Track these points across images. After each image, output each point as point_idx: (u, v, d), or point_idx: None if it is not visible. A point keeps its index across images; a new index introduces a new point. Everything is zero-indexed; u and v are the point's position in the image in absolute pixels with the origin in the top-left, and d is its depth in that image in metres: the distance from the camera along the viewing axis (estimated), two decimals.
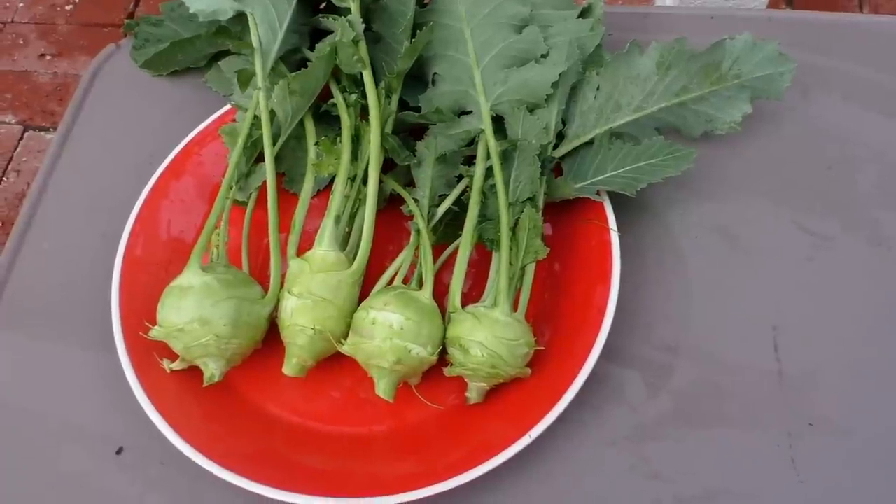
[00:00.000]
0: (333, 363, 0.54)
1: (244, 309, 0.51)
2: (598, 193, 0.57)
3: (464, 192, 0.57)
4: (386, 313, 0.49)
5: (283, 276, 0.54)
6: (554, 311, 0.56)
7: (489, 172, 0.55)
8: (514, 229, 0.53)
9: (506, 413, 0.51)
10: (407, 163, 0.58)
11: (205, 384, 0.51)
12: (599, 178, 0.57)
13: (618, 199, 0.58)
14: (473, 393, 0.51)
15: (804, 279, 0.58)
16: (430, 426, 0.53)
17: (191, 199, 0.63)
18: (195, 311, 0.49)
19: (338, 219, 0.55)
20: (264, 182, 0.58)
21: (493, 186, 0.54)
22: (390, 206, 0.61)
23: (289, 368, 0.51)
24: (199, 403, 0.53)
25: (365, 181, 0.56)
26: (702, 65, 0.59)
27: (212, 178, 0.64)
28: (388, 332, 0.49)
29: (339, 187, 0.55)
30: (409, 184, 0.59)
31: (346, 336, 0.51)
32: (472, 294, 0.58)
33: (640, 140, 0.58)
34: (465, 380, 0.51)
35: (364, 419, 0.54)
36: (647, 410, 0.53)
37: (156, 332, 0.50)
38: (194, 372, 0.52)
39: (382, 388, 0.49)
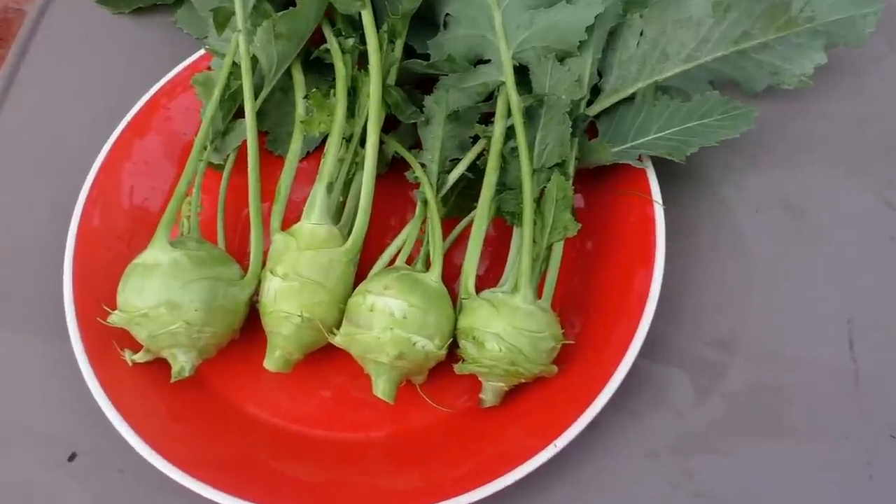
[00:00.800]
0: (324, 357, 0.52)
1: (219, 291, 0.49)
2: (639, 159, 0.55)
3: (480, 155, 0.55)
4: (386, 299, 0.48)
5: (265, 254, 0.53)
6: (585, 299, 0.55)
7: (510, 133, 0.53)
8: (539, 201, 0.52)
9: (527, 418, 0.50)
10: (413, 121, 0.56)
11: (173, 379, 0.50)
12: (642, 140, 0.55)
13: (663, 167, 0.56)
14: (489, 394, 0.50)
15: (886, 263, 0.56)
16: (436, 433, 0.51)
17: (157, 160, 0.61)
18: (162, 294, 0.48)
19: (330, 186, 0.53)
20: (244, 142, 0.57)
21: (515, 150, 0.52)
22: (392, 171, 0.59)
23: (271, 362, 0.50)
24: (165, 402, 0.51)
25: (363, 142, 0.54)
26: (767, 6, 0.56)
27: (182, 136, 0.63)
28: (389, 320, 0.47)
29: (333, 149, 0.54)
30: (416, 146, 0.57)
31: (338, 325, 0.50)
32: (489, 277, 0.56)
33: (691, 95, 0.56)
34: (480, 379, 0.50)
35: (359, 423, 0.52)
36: (695, 417, 0.52)
37: (116, 318, 0.49)
38: (160, 365, 0.51)
39: (381, 388, 0.48)
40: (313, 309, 0.49)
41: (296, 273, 0.50)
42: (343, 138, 0.55)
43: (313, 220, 0.52)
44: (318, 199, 0.53)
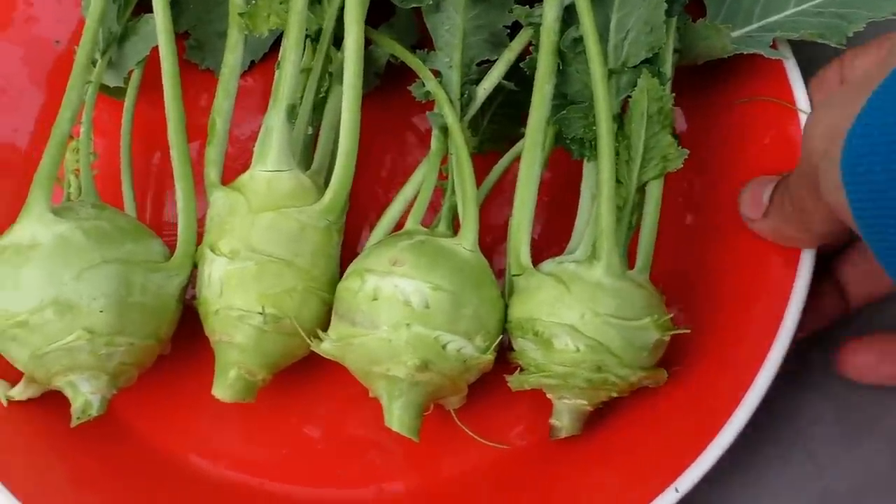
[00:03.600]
0: (305, 376, 0.52)
1: (135, 281, 0.48)
2: (773, 46, 0.53)
3: (524, 55, 0.53)
4: (397, 280, 0.47)
5: (200, 222, 0.52)
6: (700, 267, 0.54)
7: (570, 15, 0.51)
8: (621, 118, 0.50)
9: (626, 454, 0.49)
10: (415, 4, 0.54)
11: (74, 423, 0.48)
12: (776, 17, 0.54)
13: (813, 57, 0.53)
14: (564, 419, 0.48)
15: None
16: (485, 483, 0.51)
17: (18, 84, 0.60)
18: (47, 289, 0.46)
19: (292, 112, 0.51)
20: (154, 51, 0.55)
21: (580, 42, 0.50)
22: (388, 85, 0.58)
23: (224, 388, 0.48)
24: (64, 459, 0.51)
25: (338, 42, 0.52)
26: None
27: (53, 45, 0.62)
28: (404, 313, 0.46)
29: (291, 55, 0.51)
30: (423, 44, 0.55)
31: (324, 325, 0.49)
32: (549, 242, 0.55)
33: None
34: (548, 396, 0.49)
35: (366, 474, 0.52)
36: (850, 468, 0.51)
37: None
38: (54, 402, 0.49)
39: (398, 417, 0.46)
40: (281, 301, 0.48)
41: (249, 248, 0.48)
42: (307, 36, 0.54)
43: (270, 166, 0.51)
44: (274, 134, 0.51)
